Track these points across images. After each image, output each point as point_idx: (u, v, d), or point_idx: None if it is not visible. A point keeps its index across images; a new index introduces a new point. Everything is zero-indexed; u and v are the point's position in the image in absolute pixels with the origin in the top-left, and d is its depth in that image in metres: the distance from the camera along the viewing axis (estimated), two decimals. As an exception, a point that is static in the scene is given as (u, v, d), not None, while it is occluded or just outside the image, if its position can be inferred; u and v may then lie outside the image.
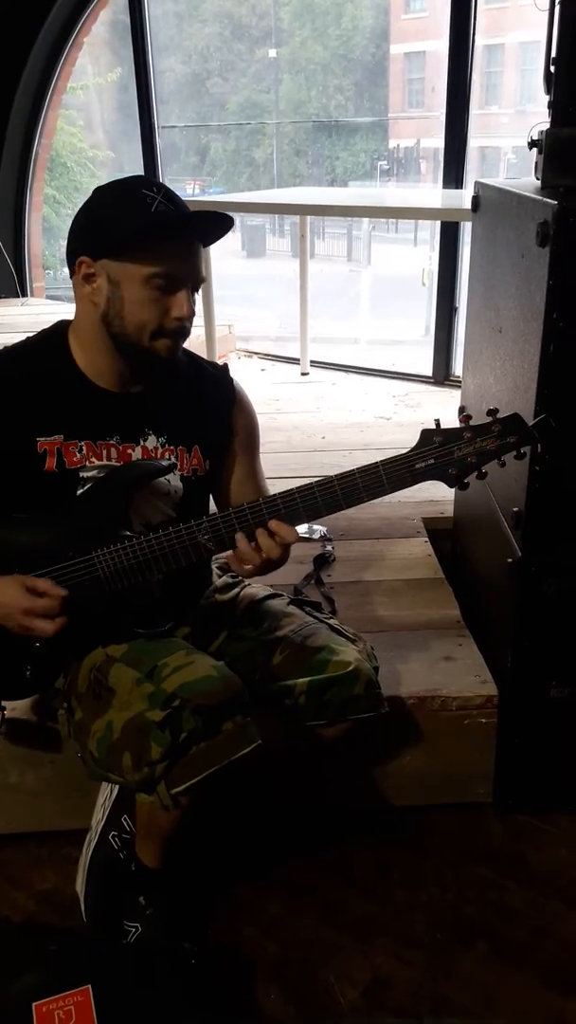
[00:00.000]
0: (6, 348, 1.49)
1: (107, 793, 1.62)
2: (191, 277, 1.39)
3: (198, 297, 1.46)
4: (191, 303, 1.40)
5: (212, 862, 1.70)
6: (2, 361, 1.47)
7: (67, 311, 1.31)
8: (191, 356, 1.58)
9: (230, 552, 1.39)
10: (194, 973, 1.43)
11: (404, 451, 1.33)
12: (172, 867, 1.52)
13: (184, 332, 1.42)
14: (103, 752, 1.37)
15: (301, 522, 1.37)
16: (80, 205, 1.42)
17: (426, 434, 1.33)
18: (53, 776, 1.74)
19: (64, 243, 1.41)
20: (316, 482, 1.36)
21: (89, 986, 1.33)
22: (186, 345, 1.48)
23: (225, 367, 1.63)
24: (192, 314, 1.40)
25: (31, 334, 1.51)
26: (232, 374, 1.62)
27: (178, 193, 1.41)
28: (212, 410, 1.57)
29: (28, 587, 1.38)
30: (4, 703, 1.59)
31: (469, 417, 1.33)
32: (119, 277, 1.35)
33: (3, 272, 5.29)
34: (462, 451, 1.32)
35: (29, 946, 1.48)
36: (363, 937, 1.58)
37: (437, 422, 1.34)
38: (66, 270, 1.43)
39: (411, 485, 1.35)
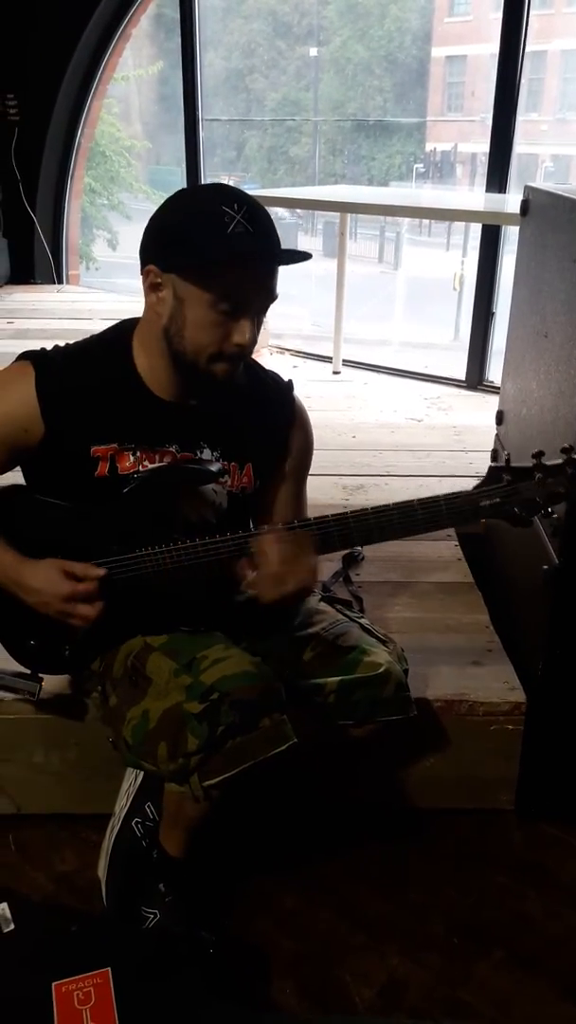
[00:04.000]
0: (68, 349, 1.46)
1: (131, 780, 1.62)
2: (259, 305, 1.34)
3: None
4: (254, 330, 1.34)
5: (230, 853, 1.70)
6: (65, 365, 1.42)
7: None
8: (254, 369, 1.53)
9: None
10: (212, 962, 1.43)
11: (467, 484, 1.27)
12: (193, 856, 1.52)
13: (244, 356, 1.37)
14: (138, 739, 1.36)
15: (352, 546, 1.31)
16: (159, 205, 1.35)
17: (494, 471, 1.28)
18: (77, 759, 1.74)
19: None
20: (373, 508, 1.32)
21: (109, 969, 1.34)
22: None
23: (289, 384, 1.57)
24: (254, 341, 1.34)
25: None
26: (295, 393, 1.56)
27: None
28: (269, 429, 1.52)
29: (66, 572, 1.37)
30: (41, 675, 1.59)
31: (541, 454, 1.28)
32: (184, 295, 1.30)
33: (41, 259, 5.32)
34: (530, 492, 1.27)
35: (50, 926, 1.48)
36: (379, 937, 1.57)
37: (508, 459, 1.29)
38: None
39: (473, 522, 1.29)
